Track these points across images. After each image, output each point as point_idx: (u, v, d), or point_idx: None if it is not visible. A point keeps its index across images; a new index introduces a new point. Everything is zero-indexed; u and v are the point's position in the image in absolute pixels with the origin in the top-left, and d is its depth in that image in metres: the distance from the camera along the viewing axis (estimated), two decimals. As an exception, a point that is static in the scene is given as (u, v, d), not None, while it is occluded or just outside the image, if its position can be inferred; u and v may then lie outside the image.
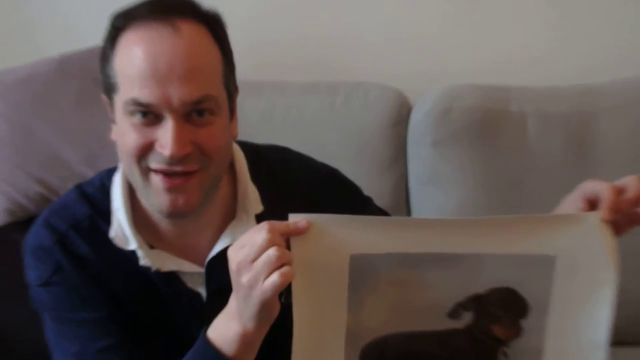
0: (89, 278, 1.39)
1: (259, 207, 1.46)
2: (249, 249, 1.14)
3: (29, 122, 2.03)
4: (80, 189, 1.48)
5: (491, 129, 2.10)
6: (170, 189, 1.30)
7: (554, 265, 1.23)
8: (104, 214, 1.42)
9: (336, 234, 1.21)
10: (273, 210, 1.31)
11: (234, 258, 1.16)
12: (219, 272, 1.33)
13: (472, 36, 2.45)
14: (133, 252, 1.38)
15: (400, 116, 2.17)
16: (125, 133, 1.30)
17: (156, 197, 1.32)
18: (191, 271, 1.43)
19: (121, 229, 1.39)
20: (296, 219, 1.17)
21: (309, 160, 1.62)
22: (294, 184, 1.54)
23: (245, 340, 1.23)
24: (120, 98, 1.29)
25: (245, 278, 1.14)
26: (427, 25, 2.45)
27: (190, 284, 1.44)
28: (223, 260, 1.21)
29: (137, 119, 1.27)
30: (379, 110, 2.15)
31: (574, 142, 2.10)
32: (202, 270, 1.43)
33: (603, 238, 1.21)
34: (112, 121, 1.37)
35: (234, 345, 1.23)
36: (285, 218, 1.17)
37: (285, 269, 1.13)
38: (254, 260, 1.13)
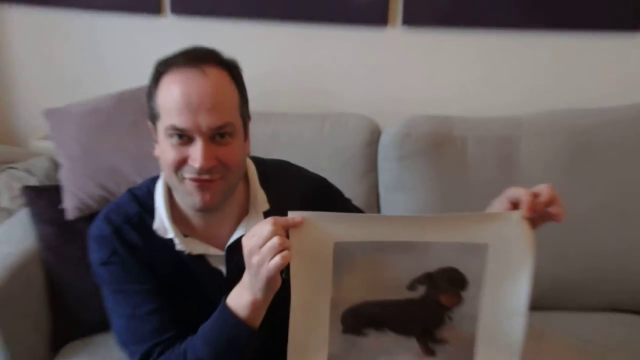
0: (137, 259, 1.44)
1: (265, 206, 1.50)
2: (258, 238, 1.20)
3: (95, 144, 2.07)
4: (132, 192, 1.53)
5: (439, 149, 2.12)
6: (199, 188, 1.35)
7: (486, 251, 1.28)
8: (149, 211, 1.48)
9: (324, 227, 1.25)
10: (276, 209, 1.35)
11: (247, 244, 1.23)
12: (236, 255, 1.38)
13: (426, 81, 2.48)
14: (171, 240, 1.44)
15: (373, 139, 2.19)
16: (166, 151, 1.36)
17: (189, 196, 1.38)
18: (214, 254, 1.48)
19: (162, 222, 1.45)
20: (293, 215, 1.23)
21: (304, 170, 1.66)
22: (293, 188, 1.56)
23: (255, 306, 1.28)
24: (162, 124, 1.35)
25: (255, 259, 1.21)
26: (393, 74, 2.48)
27: (214, 263, 1.48)
28: (239, 246, 1.27)
29: (175, 140, 1.33)
30: (357, 134, 2.18)
31: (502, 159, 2.12)
32: (222, 253, 1.48)
33: (523, 231, 1.26)
34: (155, 142, 1.43)
35: (246, 310, 1.28)
36: (286, 214, 1.23)
37: (285, 252, 1.19)
38: (261, 246, 1.20)
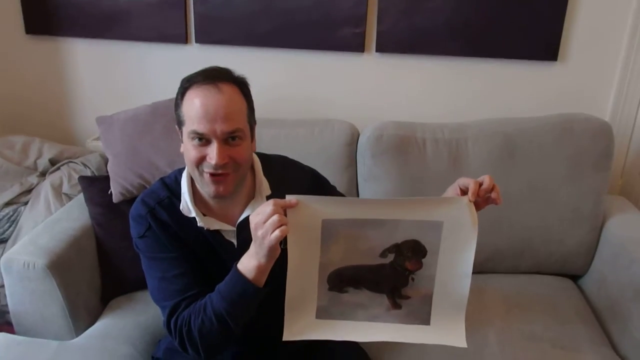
0: (167, 233, 1.43)
1: (268, 191, 1.48)
2: (262, 215, 1.22)
3: (135, 142, 2.03)
4: (162, 181, 1.52)
5: (405, 148, 2.08)
6: (215, 181, 1.36)
7: (442, 227, 1.30)
8: (177, 195, 1.47)
9: (314, 207, 1.27)
10: (276, 193, 1.35)
11: (253, 220, 1.24)
12: (245, 230, 1.38)
13: (394, 94, 2.46)
14: (194, 218, 1.43)
15: (353, 139, 2.16)
16: (189, 150, 1.36)
17: (207, 187, 1.37)
18: (228, 229, 1.46)
19: (186, 204, 1.44)
20: (290, 198, 1.25)
21: (299, 163, 1.64)
22: (290, 177, 1.56)
23: (259, 269, 1.28)
24: (186, 129, 1.35)
25: (259, 233, 1.22)
26: (369, 89, 2.46)
27: (227, 237, 1.46)
28: (247, 223, 1.28)
29: (196, 142, 1.34)
30: (340, 136, 2.14)
31: (452, 156, 2.09)
32: (234, 229, 1.46)
33: (470, 211, 1.28)
34: (181, 142, 1.42)
35: (253, 272, 1.29)
36: (284, 198, 1.26)
37: (283, 227, 1.21)
38: (265, 222, 1.22)
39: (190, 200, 1.43)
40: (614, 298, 1.92)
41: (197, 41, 2.45)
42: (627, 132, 2.39)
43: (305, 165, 1.64)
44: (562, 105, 2.29)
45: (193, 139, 1.33)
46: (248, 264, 1.30)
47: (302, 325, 1.36)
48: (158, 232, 1.43)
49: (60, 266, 1.79)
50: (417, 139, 2.10)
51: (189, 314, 1.35)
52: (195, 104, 1.32)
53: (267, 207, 1.23)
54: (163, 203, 1.46)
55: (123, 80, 2.59)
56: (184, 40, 2.45)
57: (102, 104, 2.54)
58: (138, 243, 1.46)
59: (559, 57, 2.31)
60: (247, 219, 1.38)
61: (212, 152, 1.32)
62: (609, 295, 1.95)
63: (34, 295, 1.77)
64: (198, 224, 1.42)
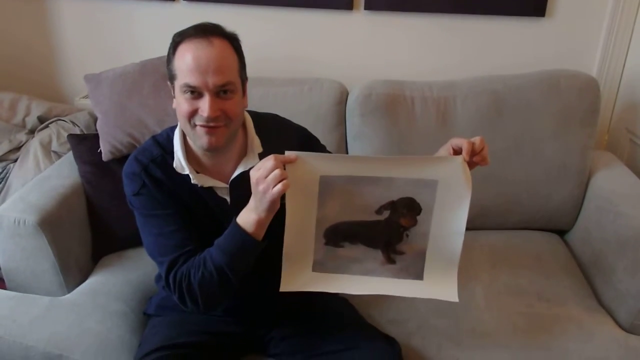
0: (162, 190, 1.43)
1: (260, 149, 1.48)
2: (263, 170, 1.24)
3: (124, 101, 2.00)
4: (154, 138, 1.51)
5: (393, 107, 2.06)
6: (207, 132, 1.35)
7: (436, 185, 1.31)
8: (169, 153, 1.46)
9: (312, 163, 1.29)
10: (268, 152, 1.31)
11: (254, 175, 1.25)
12: (237, 187, 1.43)
13: (383, 53, 2.45)
14: (187, 175, 1.42)
15: (342, 99, 2.12)
16: (181, 104, 1.35)
17: (199, 139, 1.37)
18: (221, 186, 1.46)
19: (179, 161, 1.43)
20: (289, 154, 1.27)
21: (290, 122, 1.63)
22: (281, 135, 1.55)
23: (259, 223, 1.30)
24: (178, 83, 1.35)
25: (261, 187, 1.24)
26: (358, 48, 2.45)
27: (220, 194, 1.46)
28: (239, 180, 1.37)
29: (188, 95, 1.33)
30: (329, 95, 2.11)
31: (441, 114, 2.07)
32: (227, 186, 1.46)
33: (464, 171, 1.29)
34: (173, 97, 1.41)
35: (252, 226, 1.31)
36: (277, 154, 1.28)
37: (285, 181, 1.23)
38: (266, 176, 1.23)
39: (184, 158, 1.42)
40: (599, 251, 1.93)
41: (185, -1, 2.43)
42: (613, 87, 2.40)
43: (296, 124, 1.63)
44: (550, 62, 2.28)
45: (185, 92, 1.33)
46: (248, 218, 1.31)
47: (298, 278, 1.39)
48: (152, 189, 1.42)
49: (51, 223, 1.77)
50: (405, 97, 2.08)
51: (187, 269, 1.36)
52: (187, 57, 1.31)
53: (268, 161, 1.24)
54: (156, 160, 1.45)
55: (111, 38, 2.55)
56: (172, -2, 2.42)
57: (90, 62, 2.50)
58: (132, 201, 1.45)
59: (546, 13, 2.30)
60: (240, 176, 1.43)
61: (204, 105, 1.31)
62: (594, 249, 1.97)
63: (24, 252, 1.77)
64: (192, 181, 1.42)
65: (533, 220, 2.16)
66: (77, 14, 2.53)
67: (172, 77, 1.37)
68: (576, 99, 2.06)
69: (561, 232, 2.21)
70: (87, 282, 1.87)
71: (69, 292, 1.81)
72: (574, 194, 2.11)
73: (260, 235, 1.32)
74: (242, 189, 1.37)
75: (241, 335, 1.58)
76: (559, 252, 2.07)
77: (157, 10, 2.45)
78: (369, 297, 1.78)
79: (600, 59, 2.36)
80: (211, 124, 1.33)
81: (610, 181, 2.10)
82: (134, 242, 1.95)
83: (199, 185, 1.42)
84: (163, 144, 1.47)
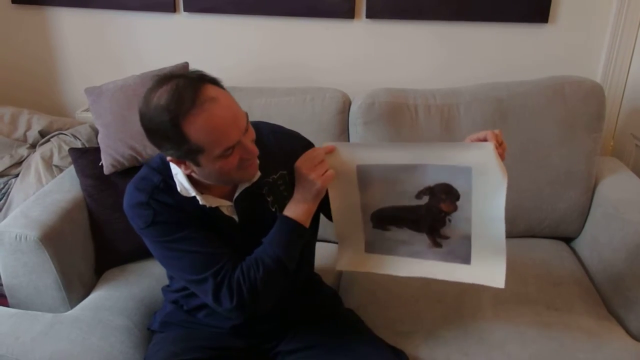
0: (173, 214, 1.38)
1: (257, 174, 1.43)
2: (312, 160, 1.35)
3: (125, 113, 1.99)
4: (149, 166, 1.45)
5: (396, 115, 2.05)
6: (252, 164, 1.35)
7: (471, 172, 1.32)
8: (169, 177, 1.40)
9: (348, 153, 1.39)
10: (266, 166, 1.37)
11: (304, 166, 1.36)
12: (241, 205, 1.43)
13: (385, 61, 2.44)
14: (194, 197, 1.37)
15: (344, 107, 2.11)
16: (224, 165, 1.28)
17: (248, 174, 1.37)
18: (227, 205, 1.43)
19: (183, 185, 1.37)
20: (328, 144, 1.38)
21: (289, 130, 1.58)
22: (281, 147, 1.50)
23: (309, 211, 1.39)
24: (212, 154, 1.25)
25: (312, 176, 1.34)
26: (360, 56, 2.44)
27: (227, 213, 1.43)
28: (242, 198, 1.40)
29: (229, 152, 1.26)
30: (332, 104, 2.10)
31: (445, 122, 2.06)
32: (231, 204, 1.43)
33: (496, 157, 1.29)
34: (194, 169, 1.32)
35: (302, 216, 1.39)
36: (276, 174, 1.43)
37: (330, 170, 1.35)
38: (316, 165, 1.34)
39: (187, 181, 1.37)
40: (607, 259, 1.91)
41: (185, 10, 2.40)
42: (618, 93, 2.38)
43: (296, 132, 1.59)
44: (554, 68, 2.27)
45: (228, 155, 1.25)
46: (296, 209, 1.38)
47: (353, 258, 1.52)
48: (166, 214, 1.37)
49: (53, 238, 1.76)
50: (409, 105, 2.07)
51: (244, 271, 1.34)
52: (210, 125, 1.21)
53: (315, 152, 1.35)
54: (160, 187, 1.39)
55: (111, 50, 2.55)
56: (172, 9, 2.39)
57: (91, 74, 2.51)
58: (147, 233, 1.39)
59: (549, 19, 2.29)
60: (242, 194, 1.42)
61: (247, 148, 1.27)
62: (602, 256, 1.94)
63: (26, 267, 1.75)
64: (200, 203, 1.37)
65: (539, 228, 2.14)
66: (76, 25, 2.53)
67: (194, 153, 1.25)
68: (581, 105, 2.04)
69: (568, 240, 2.18)
70: (90, 297, 1.85)
71: (71, 307, 1.79)
72: (580, 200, 2.09)
73: (307, 223, 1.40)
74: (246, 205, 1.41)
75: (247, 350, 1.55)
76: (566, 260, 2.04)
77: (158, 21, 2.44)
78: (374, 309, 1.77)
79: (604, 64, 2.35)
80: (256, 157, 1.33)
81: (617, 187, 2.08)
82: (137, 255, 1.96)
83: (207, 206, 1.38)
84: (160, 170, 1.41)
